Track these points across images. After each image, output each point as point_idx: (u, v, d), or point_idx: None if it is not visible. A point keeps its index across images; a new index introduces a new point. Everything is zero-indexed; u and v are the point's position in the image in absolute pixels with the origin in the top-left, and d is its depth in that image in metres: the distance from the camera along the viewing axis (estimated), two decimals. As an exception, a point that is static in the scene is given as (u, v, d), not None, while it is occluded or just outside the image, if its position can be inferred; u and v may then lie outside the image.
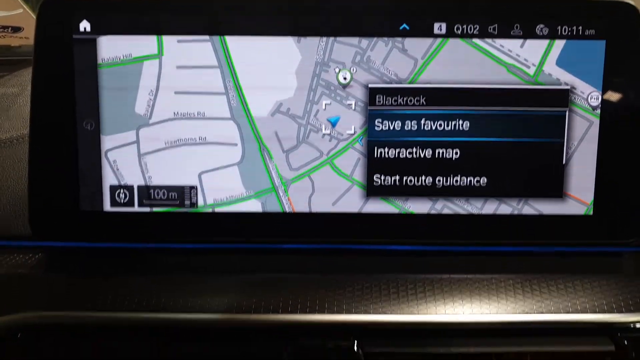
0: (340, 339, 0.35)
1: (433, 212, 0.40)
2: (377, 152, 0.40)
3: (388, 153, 0.40)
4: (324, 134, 0.40)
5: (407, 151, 0.40)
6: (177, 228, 0.40)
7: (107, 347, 0.36)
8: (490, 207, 0.40)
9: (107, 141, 0.40)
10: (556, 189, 0.40)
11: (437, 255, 0.41)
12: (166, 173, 0.40)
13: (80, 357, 0.36)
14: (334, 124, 0.39)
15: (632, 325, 0.36)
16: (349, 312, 0.36)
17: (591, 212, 0.40)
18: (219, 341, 0.36)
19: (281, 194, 0.40)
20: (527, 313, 0.36)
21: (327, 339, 0.35)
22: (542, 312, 0.36)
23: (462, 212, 0.40)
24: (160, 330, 0.36)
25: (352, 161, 0.40)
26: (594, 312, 0.36)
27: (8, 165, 0.46)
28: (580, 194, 0.40)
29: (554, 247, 0.41)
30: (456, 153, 0.40)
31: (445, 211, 0.40)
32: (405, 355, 0.36)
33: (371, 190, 0.40)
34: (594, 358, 0.36)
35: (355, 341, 0.35)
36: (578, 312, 0.36)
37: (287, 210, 0.40)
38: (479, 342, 0.36)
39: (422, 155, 0.40)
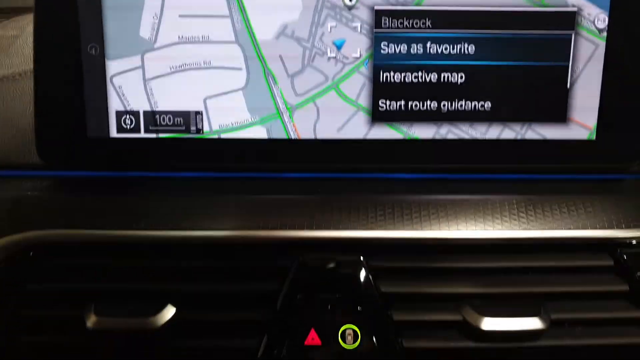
0: (345, 255, 0.36)
1: (437, 137, 0.41)
2: (383, 76, 0.40)
3: (393, 77, 0.40)
4: (329, 57, 0.39)
5: (413, 75, 0.40)
6: (183, 154, 0.41)
7: (117, 266, 0.37)
8: (494, 132, 0.41)
9: (112, 66, 0.39)
10: (560, 113, 0.40)
11: (441, 182, 0.41)
12: (172, 98, 0.40)
13: (91, 275, 0.37)
14: (339, 47, 0.39)
15: (631, 241, 0.37)
16: (354, 228, 0.36)
17: (594, 137, 0.41)
18: (228, 258, 0.37)
19: (286, 120, 0.40)
20: (528, 230, 0.37)
21: (333, 254, 0.36)
22: (543, 229, 0.37)
23: (466, 137, 0.41)
24: (170, 247, 0.36)
25: (358, 86, 0.40)
26: (594, 228, 0.37)
27: (11, 99, 0.46)
28: (583, 118, 0.41)
29: (557, 175, 0.42)
30: (461, 77, 0.40)
31: (450, 136, 0.41)
32: (409, 269, 0.37)
33: (376, 116, 0.40)
34: (595, 275, 0.37)
35: (361, 256, 0.36)
36: (579, 229, 0.37)
37: (292, 136, 0.40)
38: (481, 257, 0.37)
39: (427, 80, 0.40)
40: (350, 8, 0.39)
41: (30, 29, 0.54)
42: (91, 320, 0.35)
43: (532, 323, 0.35)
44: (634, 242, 0.37)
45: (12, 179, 0.41)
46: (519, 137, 0.41)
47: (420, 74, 0.40)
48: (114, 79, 0.40)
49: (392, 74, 0.40)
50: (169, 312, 0.35)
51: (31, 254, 0.36)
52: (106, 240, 0.36)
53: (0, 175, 0.42)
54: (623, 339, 0.36)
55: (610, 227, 0.37)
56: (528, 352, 0.36)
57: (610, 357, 0.36)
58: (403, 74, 0.40)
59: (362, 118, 0.40)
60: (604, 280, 0.37)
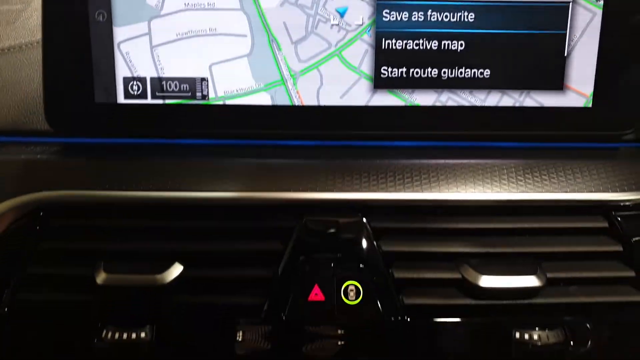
0: (348, 215, 0.37)
1: (438, 104, 0.41)
2: (385, 43, 0.40)
3: (395, 45, 0.41)
4: (332, 25, 0.40)
5: (414, 43, 0.41)
6: (189, 120, 0.41)
7: (125, 226, 0.38)
8: (493, 99, 0.42)
9: (119, 33, 0.40)
10: (557, 81, 0.41)
11: (441, 149, 0.42)
12: (178, 65, 0.41)
13: (100, 234, 0.38)
14: (342, 14, 0.40)
15: (624, 204, 0.38)
16: (356, 191, 0.37)
17: (590, 104, 0.42)
18: (234, 219, 0.38)
19: (290, 87, 0.41)
20: (525, 192, 0.38)
21: (335, 215, 0.37)
22: (540, 192, 0.38)
23: (465, 104, 0.41)
24: (176, 208, 0.37)
25: (360, 53, 0.41)
26: (590, 192, 0.38)
27: (18, 68, 0.47)
28: (580, 86, 0.41)
29: (553, 142, 0.43)
30: (461, 45, 0.41)
31: (450, 103, 0.42)
32: (410, 230, 0.38)
33: (378, 83, 0.41)
34: (590, 237, 0.39)
35: (363, 217, 0.37)
36: (574, 192, 0.38)
37: (296, 103, 0.41)
38: (479, 219, 0.38)
39: (428, 47, 0.41)
40: (353, -25, 0.40)
41: (35, 3, 0.55)
42: (101, 277, 0.36)
43: (529, 281, 0.36)
44: (627, 204, 0.38)
45: (21, 145, 0.42)
46: (517, 104, 0.42)
47: (421, 41, 0.41)
48: (121, 46, 0.41)
49: (393, 41, 0.40)
50: (177, 269, 0.36)
51: (41, 214, 0.37)
52: (115, 201, 0.37)
53: (9, 142, 0.43)
54: (616, 298, 0.37)
55: (605, 190, 0.38)
56: (524, 310, 0.37)
57: (604, 317, 0.38)
58: (404, 41, 0.41)
59: (364, 85, 0.41)
60: (598, 241, 0.38)
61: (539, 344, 0.36)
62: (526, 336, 0.36)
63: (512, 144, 0.43)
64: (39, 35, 0.49)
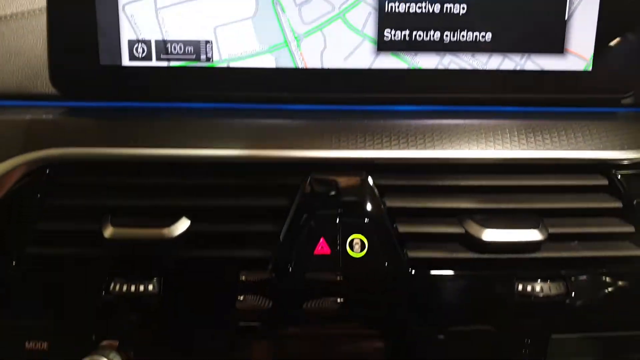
0: (353, 174, 0.38)
1: (440, 67, 0.42)
2: (388, 6, 0.41)
3: (398, 7, 0.41)
4: (336, -14, 0.41)
5: (417, 6, 0.41)
6: (193, 83, 0.42)
7: (132, 183, 0.38)
8: (494, 62, 0.42)
9: (124, -6, 0.41)
10: (557, 44, 0.42)
11: (444, 113, 0.43)
12: (182, 27, 0.41)
13: (107, 191, 0.38)
14: (346, -24, 0.41)
15: (624, 162, 0.39)
16: (361, 149, 0.38)
17: (590, 68, 0.42)
18: (241, 176, 0.38)
19: (294, 49, 0.42)
20: (527, 150, 0.38)
21: (341, 172, 0.37)
22: (541, 150, 0.38)
23: (467, 67, 0.42)
24: (184, 165, 0.38)
25: (364, 16, 0.41)
26: (590, 150, 0.39)
27: (22, 34, 0.47)
28: (580, 49, 0.42)
29: (554, 107, 0.43)
30: (463, 8, 0.41)
31: (452, 66, 0.42)
32: (413, 187, 0.38)
33: (382, 45, 0.41)
34: (591, 194, 0.39)
35: (368, 175, 0.38)
36: (575, 150, 0.39)
37: (300, 65, 0.42)
38: (482, 176, 0.38)
39: (430, 10, 0.41)
40: (357, -63, 0.40)
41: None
42: (108, 231, 0.36)
43: (531, 235, 0.37)
44: (627, 163, 0.39)
45: (25, 108, 0.42)
46: (518, 67, 0.42)
47: (424, 4, 0.41)
48: (126, 8, 0.41)
49: (397, 4, 0.41)
50: (184, 224, 0.37)
51: (47, 171, 0.37)
52: (121, 158, 0.37)
53: (14, 106, 0.43)
54: (616, 252, 0.38)
55: (605, 149, 0.39)
56: (527, 263, 0.38)
57: (604, 271, 0.38)
58: (407, 4, 0.41)
59: (367, 47, 0.42)
60: (598, 198, 0.39)
61: (541, 295, 0.37)
62: (528, 288, 0.37)
63: (514, 107, 0.43)
64: (41, 3, 0.49)
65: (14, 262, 0.37)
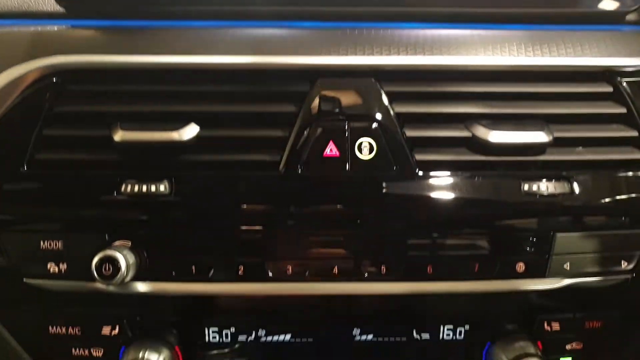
0: (361, 79, 0.38)
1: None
2: None
3: None
4: None
5: None
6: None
7: (142, 90, 0.38)
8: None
9: None
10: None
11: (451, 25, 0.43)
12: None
13: (115, 98, 0.38)
14: None
15: (629, 69, 0.39)
16: (369, 55, 0.38)
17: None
18: (250, 83, 0.38)
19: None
20: (533, 57, 0.38)
21: (350, 79, 0.38)
22: (547, 57, 0.39)
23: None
24: (193, 72, 0.38)
25: None
26: (596, 57, 0.39)
27: None
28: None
29: (558, 24, 0.43)
30: None
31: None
32: (421, 93, 0.38)
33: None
34: (596, 101, 0.40)
35: (377, 81, 0.38)
36: (580, 57, 0.39)
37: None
38: (489, 83, 0.38)
39: None
40: None
41: None
42: (118, 135, 0.36)
43: (537, 136, 0.37)
44: (631, 70, 0.39)
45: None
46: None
47: None
48: None
49: None
50: (193, 129, 0.37)
51: (54, 79, 0.37)
52: (130, 66, 0.37)
53: (18, 24, 0.43)
54: (619, 156, 0.38)
55: (610, 56, 0.39)
56: (532, 165, 0.38)
57: (607, 172, 0.39)
58: None
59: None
60: (603, 104, 0.39)
61: (546, 194, 0.37)
62: (534, 187, 0.37)
63: (519, 25, 0.43)
64: None
65: (25, 167, 0.37)
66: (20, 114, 0.38)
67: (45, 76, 0.38)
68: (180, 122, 0.37)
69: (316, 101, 0.37)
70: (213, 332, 0.41)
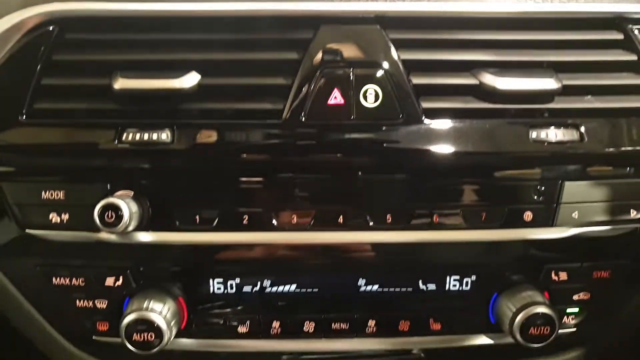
0: (366, 25, 0.37)
1: None
2: None
3: None
4: None
5: None
6: None
7: (141, 39, 0.37)
8: None
9: None
10: None
11: None
12: None
13: (114, 47, 0.37)
14: None
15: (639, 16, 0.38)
16: (373, 0, 0.37)
17: None
18: (252, 31, 0.37)
19: None
20: (542, 3, 0.37)
21: (354, 25, 0.37)
22: (556, 3, 0.38)
23: None
24: (192, 20, 0.37)
25: None
26: (606, 3, 0.38)
27: None
28: None
29: None
30: None
31: None
32: (427, 41, 0.37)
33: None
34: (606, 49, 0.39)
35: (383, 29, 0.37)
36: (591, 3, 0.38)
37: None
38: (497, 31, 0.37)
39: None
40: None
41: None
42: (118, 83, 0.35)
43: (545, 83, 0.36)
44: (642, 17, 0.38)
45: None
46: None
47: None
48: None
49: None
50: (194, 77, 0.36)
51: (51, 28, 0.37)
52: (129, 14, 0.36)
53: None
54: (629, 104, 0.38)
55: (621, 2, 0.38)
56: (541, 113, 0.37)
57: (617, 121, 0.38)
58: None
59: None
60: (613, 52, 0.38)
61: (554, 141, 0.36)
62: (542, 135, 0.37)
63: None
64: None
65: (24, 116, 0.37)
66: (17, 62, 0.37)
67: (43, 24, 0.37)
68: (181, 70, 0.37)
69: (320, 48, 0.37)
70: (217, 283, 0.41)
